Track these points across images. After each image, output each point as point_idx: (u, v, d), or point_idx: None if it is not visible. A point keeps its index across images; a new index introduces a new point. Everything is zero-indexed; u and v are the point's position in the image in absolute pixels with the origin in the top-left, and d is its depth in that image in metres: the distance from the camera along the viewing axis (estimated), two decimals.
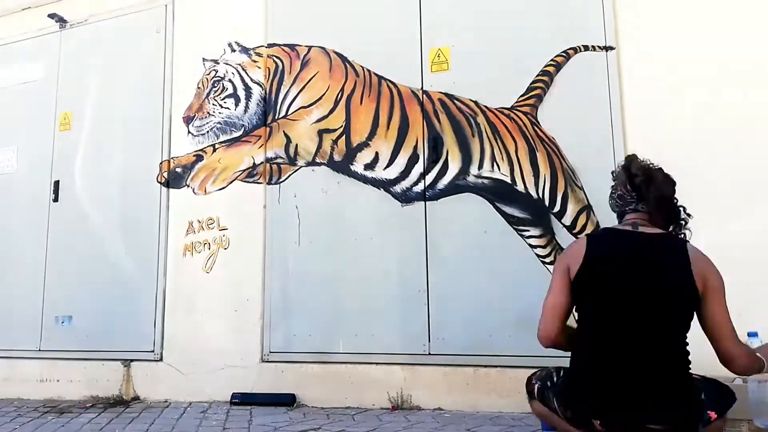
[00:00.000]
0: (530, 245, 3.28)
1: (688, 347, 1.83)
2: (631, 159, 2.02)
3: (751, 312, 2.43)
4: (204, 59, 4.22)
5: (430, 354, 3.38)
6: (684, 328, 1.83)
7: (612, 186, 2.02)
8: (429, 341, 3.39)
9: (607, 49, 3.26)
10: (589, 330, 1.88)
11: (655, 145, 3.06)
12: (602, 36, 3.28)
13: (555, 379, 2.04)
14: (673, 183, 2.00)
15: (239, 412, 3.53)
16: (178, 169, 4.16)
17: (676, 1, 3.18)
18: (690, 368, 1.84)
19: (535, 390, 2.07)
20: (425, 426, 3.00)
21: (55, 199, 4.50)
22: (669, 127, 3.10)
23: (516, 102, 3.40)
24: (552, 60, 3.36)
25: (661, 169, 2.00)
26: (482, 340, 3.28)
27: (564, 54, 3.34)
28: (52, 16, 4.69)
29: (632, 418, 1.76)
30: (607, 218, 3.03)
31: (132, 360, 4.08)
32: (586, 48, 3.30)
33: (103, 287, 4.24)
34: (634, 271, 1.82)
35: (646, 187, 1.92)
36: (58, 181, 4.52)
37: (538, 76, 3.37)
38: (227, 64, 4.12)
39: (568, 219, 3.23)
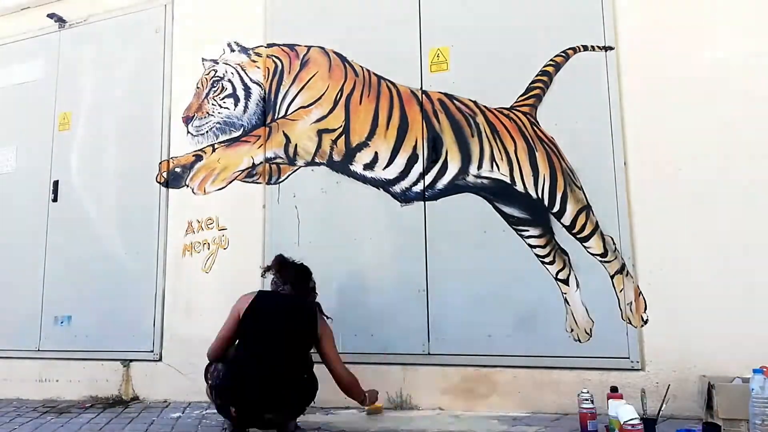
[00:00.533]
0: (530, 245, 3.28)
1: (307, 367, 2.96)
2: (278, 259, 3.16)
3: None
4: (203, 59, 4.21)
5: (429, 354, 3.38)
6: (303, 355, 2.94)
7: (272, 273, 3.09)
8: (429, 341, 3.39)
9: (606, 49, 3.26)
10: (242, 351, 2.91)
11: (654, 145, 3.07)
12: (602, 36, 3.28)
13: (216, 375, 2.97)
14: (307, 272, 3.15)
15: None
16: (178, 169, 4.15)
17: (677, 1, 3.17)
18: (305, 380, 2.91)
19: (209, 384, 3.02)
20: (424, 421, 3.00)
21: (55, 199, 4.50)
22: (668, 127, 3.10)
23: (515, 102, 3.40)
24: (551, 60, 3.35)
25: (297, 264, 3.16)
26: (482, 339, 3.28)
27: (563, 54, 3.33)
28: (51, 15, 4.69)
29: (255, 407, 2.76)
30: (607, 218, 3.07)
31: (131, 360, 4.08)
32: (585, 48, 3.30)
33: (103, 287, 4.24)
34: (277, 317, 2.90)
35: (286, 275, 3.07)
36: (57, 180, 4.52)
37: (537, 76, 3.37)
38: (227, 64, 4.12)
39: (567, 219, 3.23)
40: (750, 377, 2.45)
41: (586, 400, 2.66)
